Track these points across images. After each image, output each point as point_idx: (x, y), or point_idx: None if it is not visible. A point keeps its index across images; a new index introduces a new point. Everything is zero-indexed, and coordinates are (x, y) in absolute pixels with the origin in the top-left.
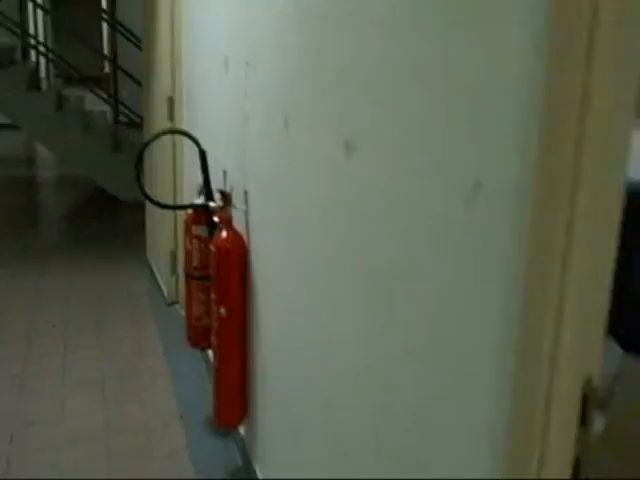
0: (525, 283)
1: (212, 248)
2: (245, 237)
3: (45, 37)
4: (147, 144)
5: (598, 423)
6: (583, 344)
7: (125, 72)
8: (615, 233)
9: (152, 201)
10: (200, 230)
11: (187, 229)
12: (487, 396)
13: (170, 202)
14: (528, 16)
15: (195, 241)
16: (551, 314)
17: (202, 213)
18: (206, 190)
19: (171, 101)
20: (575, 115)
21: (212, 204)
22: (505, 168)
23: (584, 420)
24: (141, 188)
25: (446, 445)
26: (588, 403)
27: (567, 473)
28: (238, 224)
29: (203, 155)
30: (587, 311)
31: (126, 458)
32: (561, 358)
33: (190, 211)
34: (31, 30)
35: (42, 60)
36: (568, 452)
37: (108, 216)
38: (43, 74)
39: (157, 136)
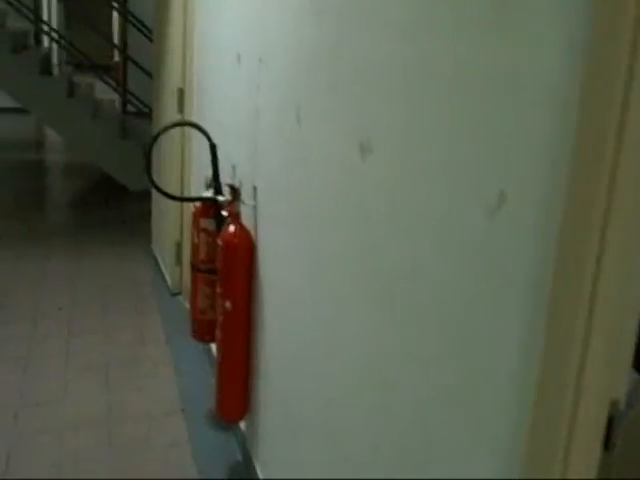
0: (551, 303)
1: (219, 242)
2: (253, 232)
3: (58, 23)
4: (158, 135)
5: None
6: (610, 366)
7: (134, 62)
8: None
9: (162, 192)
10: (208, 223)
11: (195, 222)
12: (504, 413)
13: (177, 194)
14: (562, 15)
15: (202, 234)
16: (578, 335)
17: (210, 206)
18: (215, 184)
19: (181, 93)
20: (614, 122)
21: (221, 198)
22: (532, 178)
23: (608, 443)
24: (150, 178)
25: (448, 451)
26: (613, 426)
27: None
28: (246, 219)
29: (213, 149)
30: (615, 332)
31: (126, 446)
32: (587, 380)
33: (198, 204)
34: (44, 16)
35: (54, 46)
36: (590, 475)
37: (115, 203)
38: (54, 60)
39: (169, 127)
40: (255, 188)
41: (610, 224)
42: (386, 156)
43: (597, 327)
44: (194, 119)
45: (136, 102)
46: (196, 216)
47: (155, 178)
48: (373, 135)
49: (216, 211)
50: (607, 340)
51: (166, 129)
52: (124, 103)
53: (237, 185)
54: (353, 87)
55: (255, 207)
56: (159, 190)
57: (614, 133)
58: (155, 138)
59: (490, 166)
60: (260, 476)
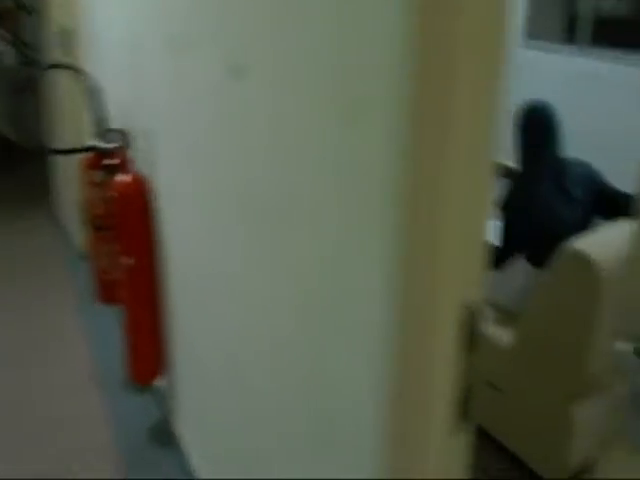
0: (401, 210)
1: (111, 193)
2: (147, 178)
3: None
4: (26, 83)
5: (507, 337)
6: (461, 270)
7: (25, 7)
8: (492, 149)
9: (37, 147)
10: (97, 176)
11: (84, 175)
12: (372, 323)
13: (76, 146)
14: None
15: (93, 189)
16: (426, 240)
17: (99, 156)
18: (102, 130)
19: (68, 33)
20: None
21: (109, 145)
22: (387, 90)
23: (470, 346)
24: (19, 132)
25: (333, 374)
26: (472, 329)
27: (456, 399)
28: (140, 165)
29: (94, 90)
30: (465, 235)
31: (39, 424)
32: (438, 285)
33: (86, 156)
34: None
35: None
36: (454, 379)
37: (11, 165)
38: None
39: (38, 72)
40: (145, 130)
41: (456, 124)
42: (259, 79)
43: (445, 232)
44: (85, 61)
45: (32, 53)
46: (84, 168)
47: (53, 131)
48: (246, 58)
49: (105, 160)
50: (456, 242)
51: (37, 73)
52: (20, 54)
53: (126, 129)
54: (226, 9)
55: (147, 150)
56: (32, 145)
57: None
58: (23, 86)
59: (351, 81)
60: (182, 432)
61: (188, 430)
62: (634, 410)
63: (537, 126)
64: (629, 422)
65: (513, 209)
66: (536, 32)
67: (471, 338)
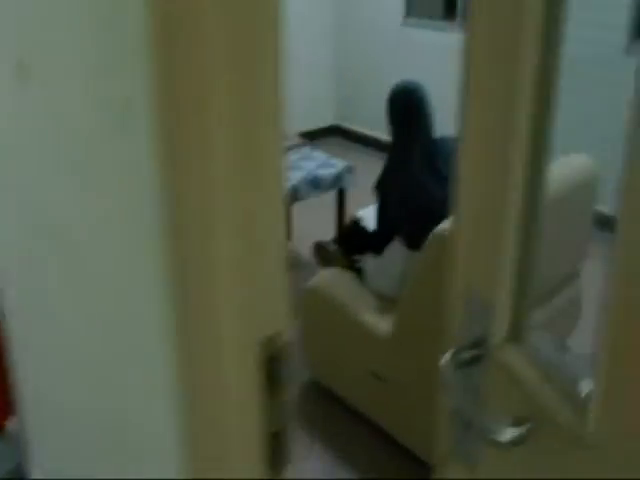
0: (170, 223)
1: None
2: None
3: None
4: None
5: (386, 325)
6: (254, 300)
7: None
8: (275, 144)
9: None
10: None
11: None
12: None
13: None
14: None
15: None
16: (199, 258)
17: None
18: None
19: None
20: None
21: None
22: (145, 92)
23: (275, 388)
24: None
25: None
26: (276, 365)
27: (263, 447)
28: None
29: None
30: (253, 252)
31: None
32: (223, 313)
33: None
34: None
35: None
36: (259, 424)
37: None
38: None
39: None
40: None
41: (221, 121)
42: (41, 78)
43: (225, 251)
44: None
45: None
46: None
47: None
48: (29, 56)
49: None
50: (242, 264)
51: None
52: None
53: None
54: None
55: None
56: None
57: None
58: None
59: (115, 81)
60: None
61: (43, 474)
62: (459, 425)
63: (406, 107)
64: (456, 436)
65: (386, 191)
66: (416, 9)
67: (275, 379)
